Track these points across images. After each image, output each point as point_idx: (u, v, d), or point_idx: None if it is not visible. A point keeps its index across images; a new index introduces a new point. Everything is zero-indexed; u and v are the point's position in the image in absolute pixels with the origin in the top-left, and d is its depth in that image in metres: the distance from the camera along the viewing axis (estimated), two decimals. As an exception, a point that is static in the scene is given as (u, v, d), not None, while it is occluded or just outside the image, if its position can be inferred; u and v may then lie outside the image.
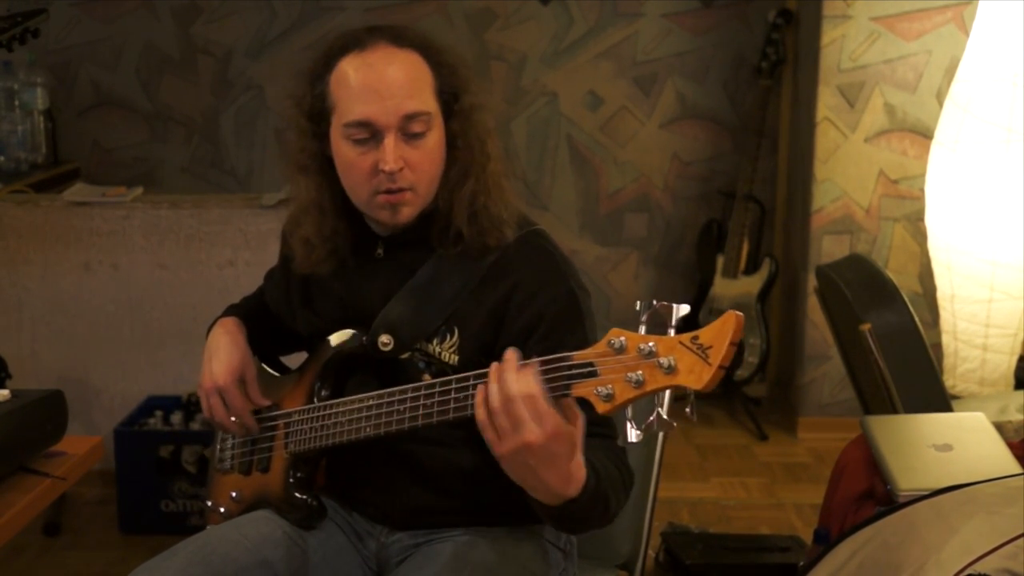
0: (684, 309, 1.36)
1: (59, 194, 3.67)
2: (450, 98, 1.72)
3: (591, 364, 1.40)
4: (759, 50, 4.31)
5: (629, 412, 1.40)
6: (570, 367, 1.42)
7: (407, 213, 1.71)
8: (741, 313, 1.33)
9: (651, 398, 1.39)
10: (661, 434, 1.32)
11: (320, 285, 1.84)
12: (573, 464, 1.45)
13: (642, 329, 1.39)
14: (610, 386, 1.38)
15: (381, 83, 1.66)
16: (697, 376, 1.32)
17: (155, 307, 3.54)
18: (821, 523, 2.41)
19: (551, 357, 1.44)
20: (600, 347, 1.40)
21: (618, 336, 1.38)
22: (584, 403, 1.42)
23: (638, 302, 1.40)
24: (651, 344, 1.35)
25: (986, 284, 3.22)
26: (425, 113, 1.67)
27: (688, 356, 1.33)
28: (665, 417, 1.37)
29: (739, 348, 1.33)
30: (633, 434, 1.39)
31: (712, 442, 4.12)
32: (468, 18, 4.45)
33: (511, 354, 1.45)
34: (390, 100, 1.65)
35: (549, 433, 1.40)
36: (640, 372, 1.36)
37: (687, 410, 1.36)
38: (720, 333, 1.31)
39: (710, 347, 1.32)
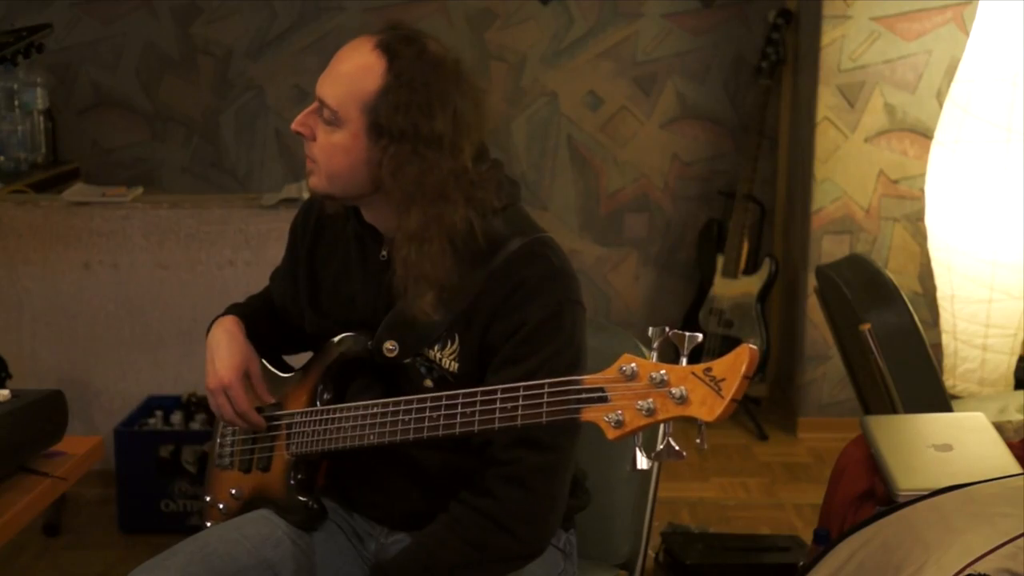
0: (697, 338, 1.36)
1: (59, 194, 3.67)
2: (388, 122, 1.65)
3: (601, 389, 1.40)
4: (759, 50, 4.31)
5: (639, 439, 1.40)
6: (579, 391, 1.42)
7: (313, 182, 1.74)
8: (755, 347, 1.32)
9: (659, 425, 1.39)
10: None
11: (327, 285, 1.84)
12: None
13: (653, 356, 1.39)
14: (620, 412, 1.38)
15: (333, 63, 1.71)
16: (709, 408, 1.32)
17: (155, 307, 3.54)
18: (821, 523, 2.41)
19: (560, 380, 1.45)
20: (611, 372, 1.40)
21: (629, 363, 1.38)
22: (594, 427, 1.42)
23: (650, 328, 1.40)
24: (663, 373, 1.35)
25: (986, 284, 3.22)
26: (331, 109, 1.67)
27: (701, 387, 1.32)
28: (675, 447, 1.37)
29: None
30: (642, 461, 1.39)
31: (712, 442, 4.07)
32: (468, 18, 4.45)
33: None
34: (326, 78, 1.70)
35: None
36: (651, 400, 1.36)
37: (698, 440, 1.36)
38: (734, 366, 1.31)
39: (723, 379, 1.32)
